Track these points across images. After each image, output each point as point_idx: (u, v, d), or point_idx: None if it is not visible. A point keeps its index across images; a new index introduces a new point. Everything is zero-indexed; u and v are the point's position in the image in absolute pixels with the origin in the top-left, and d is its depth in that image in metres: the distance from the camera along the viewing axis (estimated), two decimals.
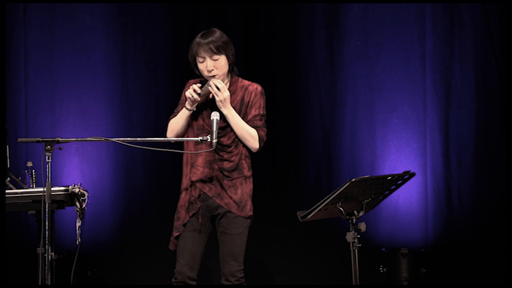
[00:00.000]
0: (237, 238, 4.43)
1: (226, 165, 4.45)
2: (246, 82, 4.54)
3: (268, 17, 6.68)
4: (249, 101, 4.49)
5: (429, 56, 6.52)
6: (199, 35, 4.45)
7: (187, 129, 4.50)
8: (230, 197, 4.43)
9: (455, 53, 6.51)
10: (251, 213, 4.48)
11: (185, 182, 4.50)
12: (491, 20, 6.44)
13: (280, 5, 6.65)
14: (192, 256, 4.44)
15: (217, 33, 4.44)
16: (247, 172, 4.51)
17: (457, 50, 6.51)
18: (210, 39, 4.39)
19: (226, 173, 4.45)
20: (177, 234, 4.47)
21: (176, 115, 4.53)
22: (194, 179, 4.45)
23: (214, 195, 4.44)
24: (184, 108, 4.46)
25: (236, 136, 4.46)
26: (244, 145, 4.49)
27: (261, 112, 4.52)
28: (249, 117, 4.48)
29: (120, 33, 6.67)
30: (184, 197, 4.48)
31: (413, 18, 6.55)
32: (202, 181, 4.44)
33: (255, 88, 4.52)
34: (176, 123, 4.50)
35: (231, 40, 4.53)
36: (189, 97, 4.40)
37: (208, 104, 4.48)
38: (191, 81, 4.59)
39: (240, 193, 4.46)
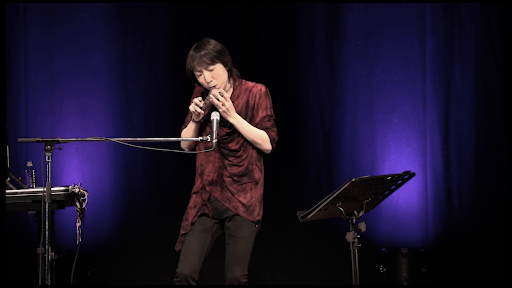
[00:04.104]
0: (243, 242, 4.39)
1: (236, 170, 4.42)
2: (250, 84, 4.50)
3: (268, 17, 6.68)
4: (254, 104, 4.45)
5: (429, 56, 6.52)
6: (192, 48, 4.40)
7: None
8: (239, 201, 4.41)
9: (455, 53, 6.51)
10: (259, 217, 4.46)
11: (195, 187, 4.50)
12: (491, 20, 6.44)
13: (280, 5, 6.65)
14: (196, 257, 4.39)
15: (211, 43, 4.39)
16: (258, 176, 4.49)
17: (457, 50, 6.51)
18: (202, 52, 4.34)
19: (235, 178, 4.42)
20: (184, 232, 4.44)
21: (186, 126, 4.52)
22: (205, 184, 4.44)
23: (223, 198, 4.42)
24: (191, 121, 4.44)
25: (245, 140, 4.43)
26: (254, 148, 4.46)
27: (269, 112, 4.47)
28: (257, 119, 4.43)
29: (120, 33, 6.67)
30: (194, 199, 4.47)
31: (413, 18, 6.55)
32: (212, 185, 4.43)
33: (259, 89, 4.48)
34: (186, 136, 4.48)
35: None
36: (193, 111, 4.38)
37: (214, 110, 4.44)
38: (197, 88, 4.55)
39: (250, 197, 4.44)
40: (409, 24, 6.55)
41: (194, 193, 4.49)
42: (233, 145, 4.41)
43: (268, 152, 4.49)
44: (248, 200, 4.42)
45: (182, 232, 4.45)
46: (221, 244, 4.53)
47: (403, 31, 6.55)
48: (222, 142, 4.38)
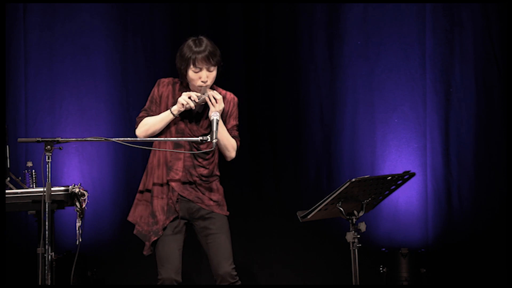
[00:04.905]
0: (225, 237, 4.46)
1: (203, 171, 4.46)
2: (222, 91, 4.55)
3: (268, 17, 6.67)
4: (228, 111, 4.53)
5: (429, 56, 6.52)
6: (191, 44, 4.40)
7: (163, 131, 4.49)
8: (210, 199, 4.46)
9: (455, 53, 6.51)
10: (228, 212, 4.54)
11: (156, 185, 4.47)
12: (491, 20, 6.44)
13: (280, 5, 6.64)
14: (177, 260, 4.44)
15: (208, 42, 4.40)
16: (217, 176, 4.56)
17: (457, 50, 6.51)
18: (207, 49, 4.36)
19: (203, 179, 4.47)
20: (155, 238, 4.45)
21: (150, 115, 4.49)
22: (172, 182, 4.43)
23: (194, 198, 4.44)
24: (169, 112, 4.41)
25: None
26: (219, 155, 4.53)
27: (237, 122, 4.58)
28: (228, 126, 4.52)
29: (120, 33, 6.67)
30: (159, 201, 4.45)
31: (413, 18, 6.55)
32: (181, 185, 4.44)
33: (232, 97, 4.57)
34: (154, 124, 4.45)
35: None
36: (182, 104, 4.35)
37: (190, 109, 4.45)
38: (165, 80, 4.54)
39: (218, 194, 4.51)
40: (409, 24, 6.55)
41: (158, 191, 4.45)
42: (204, 147, 4.43)
43: (230, 159, 4.58)
44: (217, 196, 4.50)
45: (153, 237, 4.44)
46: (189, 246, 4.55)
47: (403, 31, 6.55)
48: (196, 142, 4.39)
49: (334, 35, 6.62)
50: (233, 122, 4.54)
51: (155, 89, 4.53)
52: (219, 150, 4.54)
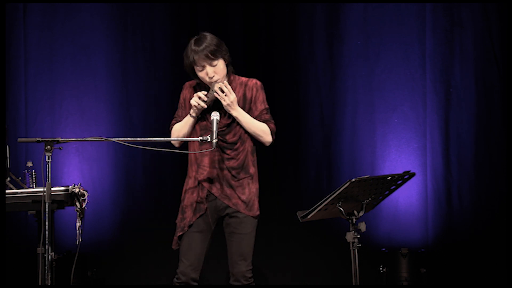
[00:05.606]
0: (246, 238, 4.44)
1: (233, 163, 4.44)
2: (243, 79, 4.54)
3: (268, 17, 6.68)
4: (251, 97, 4.50)
5: (429, 56, 6.52)
6: (192, 43, 4.41)
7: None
8: (239, 197, 4.43)
9: (455, 53, 6.51)
10: (258, 212, 4.49)
11: (190, 183, 4.49)
12: (491, 20, 6.44)
13: (280, 5, 6.65)
14: (196, 257, 4.43)
15: (208, 37, 4.42)
16: (253, 170, 4.50)
17: (457, 50, 6.51)
18: (204, 45, 4.36)
19: (233, 173, 4.44)
20: (181, 233, 4.45)
21: (178, 121, 4.52)
22: (201, 179, 4.44)
23: (222, 196, 4.43)
24: (188, 116, 4.45)
25: (242, 133, 4.45)
26: (251, 141, 4.49)
27: (266, 105, 4.53)
28: (256, 112, 4.48)
29: (120, 33, 6.67)
30: (190, 197, 4.46)
31: (413, 18, 6.55)
32: (210, 181, 4.43)
33: (254, 83, 4.53)
34: (181, 130, 4.49)
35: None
36: (195, 106, 4.39)
37: (210, 104, 4.46)
38: (188, 83, 4.58)
39: (248, 192, 4.46)
40: (409, 24, 6.55)
41: (190, 188, 4.48)
42: (230, 137, 4.43)
43: (268, 144, 4.53)
44: (247, 196, 4.45)
45: (179, 232, 4.46)
46: (217, 243, 4.54)
47: (403, 31, 6.55)
48: (220, 134, 4.38)
49: (334, 35, 6.62)
50: (260, 106, 4.50)
51: (181, 94, 4.58)
52: (254, 139, 4.49)
